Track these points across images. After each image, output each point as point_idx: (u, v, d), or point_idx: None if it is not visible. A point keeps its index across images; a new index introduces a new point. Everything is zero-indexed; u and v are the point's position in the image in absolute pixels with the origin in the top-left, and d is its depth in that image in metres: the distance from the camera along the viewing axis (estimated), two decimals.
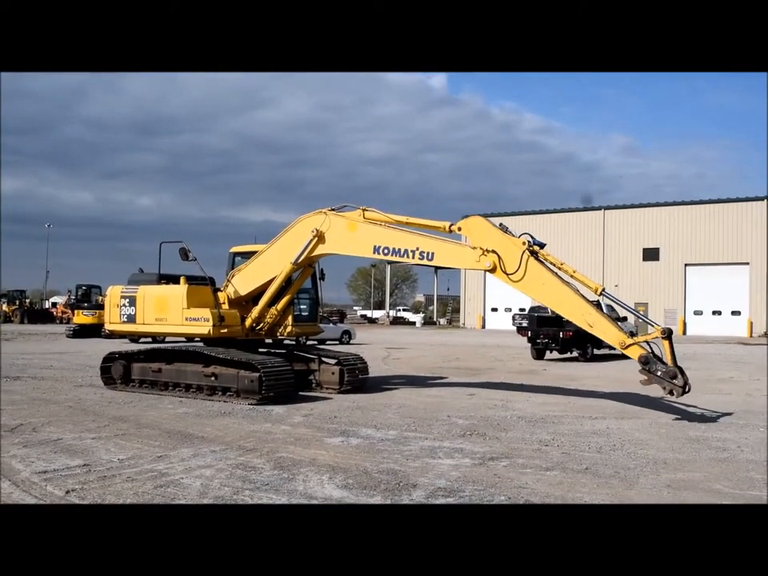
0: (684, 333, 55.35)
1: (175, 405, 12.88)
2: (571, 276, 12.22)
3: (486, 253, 12.32)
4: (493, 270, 12.32)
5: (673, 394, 11.12)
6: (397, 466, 8.14)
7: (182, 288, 14.41)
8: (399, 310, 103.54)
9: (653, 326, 11.62)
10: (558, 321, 27.33)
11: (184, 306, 14.21)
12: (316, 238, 13.86)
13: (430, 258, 12.98)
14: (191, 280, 14.73)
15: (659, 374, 11.11)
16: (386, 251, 13.34)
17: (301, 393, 14.31)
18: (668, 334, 11.19)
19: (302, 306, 15.74)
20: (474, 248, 12.52)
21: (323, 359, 15.35)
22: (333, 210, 13.98)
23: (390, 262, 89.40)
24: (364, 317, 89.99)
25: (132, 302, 14.97)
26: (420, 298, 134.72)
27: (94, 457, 8.44)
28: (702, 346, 37.68)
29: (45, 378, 17.24)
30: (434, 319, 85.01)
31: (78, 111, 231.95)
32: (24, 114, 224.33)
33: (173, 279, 15.16)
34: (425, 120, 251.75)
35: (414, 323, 78.41)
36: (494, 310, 65.89)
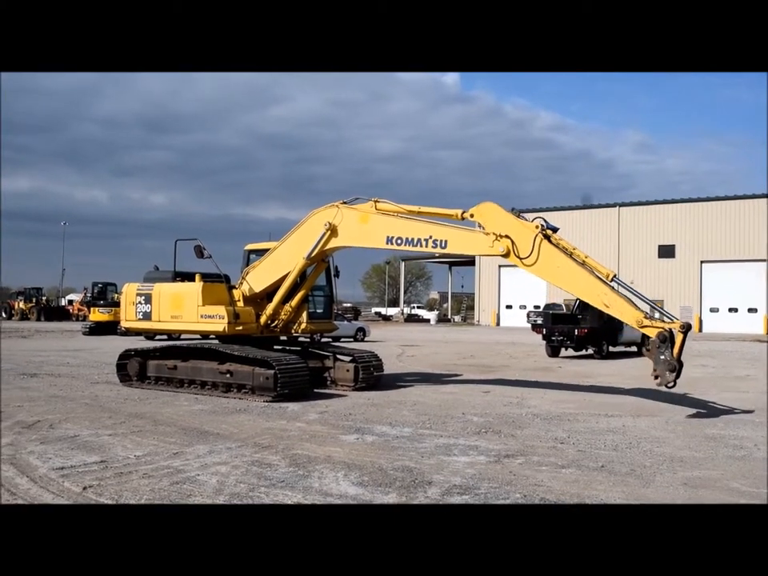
0: (700, 330, 55.02)
1: (191, 402, 12.94)
2: (583, 261, 12.21)
3: (499, 238, 12.34)
4: (507, 255, 12.33)
5: (657, 379, 11.23)
6: (412, 463, 8.14)
7: (197, 285, 14.45)
8: (413, 307, 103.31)
9: (672, 319, 11.56)
10: (572, 318, 27.29)
11: (199, 304, 14.25)
12: (329, 232, 13.89)
13: (443, 245, 12.99)
14: (206, 277, 14.78)
15: (662, 358, 11.14)
16: (398, 241, 13.34)
17: (316, 390, 14.33)
18: (686, 329, 11.16)
19: (316, 304, 15.75)
20: (488, 234, 12.54)
21: (338, 356, 15.36)
22: (345, 203, 14.04)
23: (404, 259, 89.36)
24: (378, 314, 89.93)
25: (148, 299, 15.03)
26: (434, 295, 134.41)
27: (111, 453, 8.49)
28: (718, 344, 37.46)
29: (61, 375, 17.36)
30: (449, 316, 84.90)
31: (91, 109, 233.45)
32: (37, 112, 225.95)
33: (188, 277, 15.21)
34: (437, 117, 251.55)
35: (428, 320, 78.25)
36: (509, 307, 65.74)
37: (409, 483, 7.21)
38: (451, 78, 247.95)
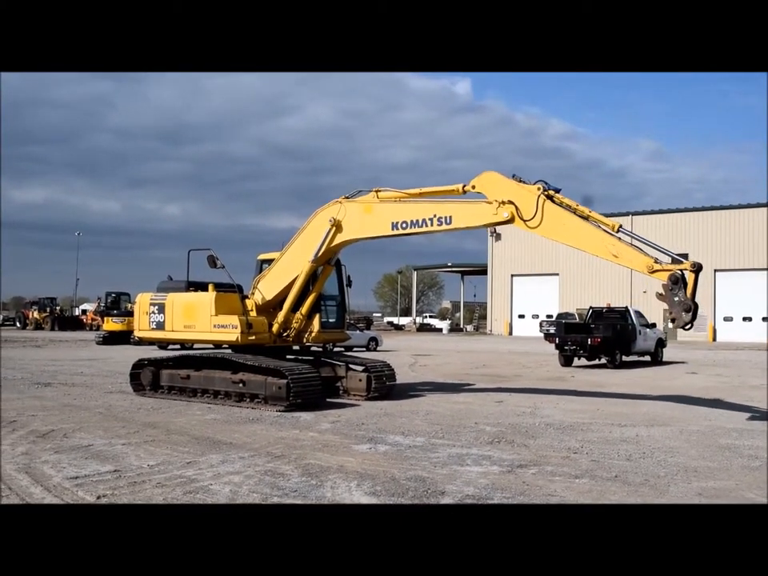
0: (714, 339, 54.74)
1: (204, 411, 12.96)
2: (587, 216, 12.15)
3: (502, 204, 12.39)
4: (511, 220, 12.38)
5: (674, 322, 11.14)
6: (425, 473, 8.13)
7: (210, 295, 14.50)
8: (426, 316, 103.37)
9: (682, 261, 11.43)
10: (585, 327, 27.20)
11: (212, 313, 14.30)
12: (334, 228, 13.96)
13: (448, 222, 13.01)
14: (219, 287, 14.82)
15: (676, 299, 11.03)
16: (404, 225, 13.37)
17: (328, 399, 14.33)
18: (697, 269, 11.09)
19: (329, 313, 15.77)
20: (490, 203, 12.58)
21: (350, 366, 15.36)
22: (347, 197, 14.12)
23: (416, 268, 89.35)
24: (390, 323, 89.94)
25: (161, 309, 15.09)
26: (446, 304, 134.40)
27: (125, 463, 8.52)
28: (732, 353, 37.26)
29: (75, 384, 17.43)
30: (461, 326, 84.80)
31: (104, 120, 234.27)
32: (51, 123, 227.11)
33: (201, 286, 15.26)
34: (449, 126, 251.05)
35: (440, 330, 78.20)
36: (521, 316, 65.61)
37: (422, 493, 7.20)
38: (463, 88, 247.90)
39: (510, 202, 12.29)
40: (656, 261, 11.31)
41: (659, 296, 11.29)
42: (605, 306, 32.29)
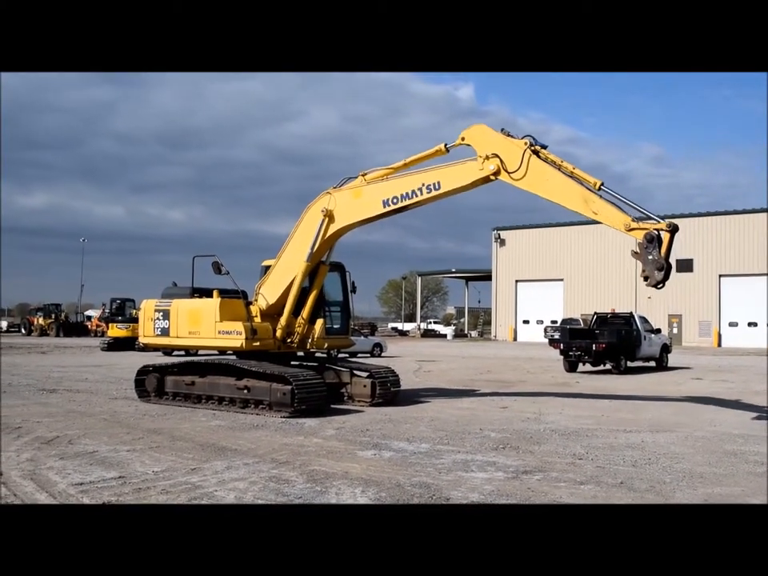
0: (719, 344, 54.59)
1: (208, 417, 12.97)
2: (571, 173, 12.29)
3: (487, 159, 12.63)
4: (497, 173, 12.60)
5: (646, 280, 11.39)
6: (429, 479, 8.12)
7: (214, 301, 14.53)
8: (430, 322, 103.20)
9: (659, 221, 11.54)
10: (590, 333, 27.15)
11: (217, 320, 14.32)
12: (326, 219, 14.10)
13: (437, 187, 13.21)
14: (224, 293, 14.84)
15: (650, 258, 11.27)
16: (394, 200, 13.57)
17: (333, 406, 14.32)
18: (672, 229, 11.32)
19: (333, 319, 15.77)
20: (476, 159, 12.81)
21: (355, 372, 15.35)
22: (335, 187, 14.31)
23: (421, 274, 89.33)
24: (395, 329, 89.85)
25: (166, 315, 15.12)
26: (451, 310, 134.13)
27: (129, 469, 8.52)
28: (736, 358, 37.15)
29: (80, 390, 17.45)
30: (465, 332, 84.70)
31: (107, 126, 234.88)
32: (54, 128, 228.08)
33: (206, 293, 15.29)
34: (453, 131, 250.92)
35: (444, 336, 78.07)
36: (526, 322, 65.49)
37: (427, 499, 7.19)
38: (466, 93, 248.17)
39: (495, 155, 12.53)
40: (634, 220, 11.53)
41: (634, 254, 11.58)
42: (609, 311, 32.25)
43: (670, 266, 11.27)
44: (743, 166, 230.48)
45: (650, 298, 53.30)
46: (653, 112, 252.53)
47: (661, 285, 11.38)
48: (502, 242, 66.60)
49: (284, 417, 12.83)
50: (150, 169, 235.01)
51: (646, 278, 11.39)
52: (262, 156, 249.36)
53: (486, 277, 71.76)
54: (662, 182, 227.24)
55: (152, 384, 15.24)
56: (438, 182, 13.17)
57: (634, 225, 11.43)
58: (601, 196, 11.90)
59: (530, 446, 10.34)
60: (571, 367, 26.51)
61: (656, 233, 11.27)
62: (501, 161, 12.49)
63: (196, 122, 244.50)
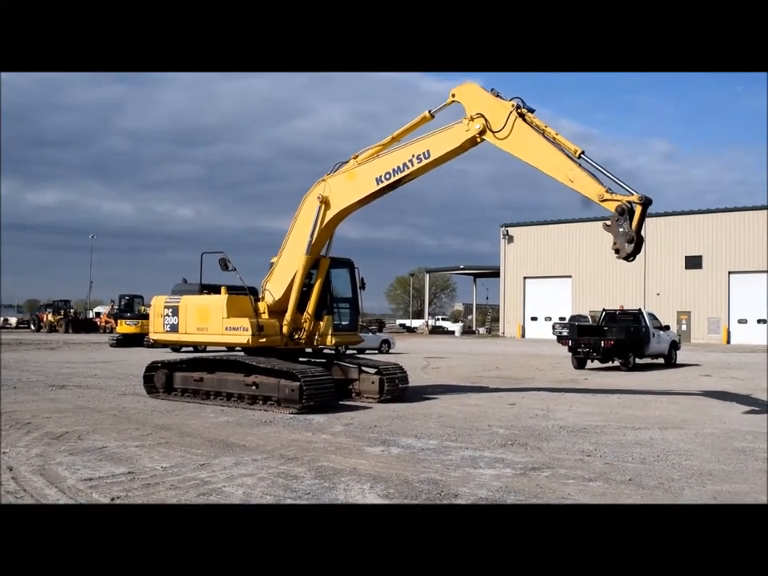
0: (728, 341, 54.43)
1: (217, 413, 12.99)
2: (554, 138, 12.37)
3: (472, 119, 12.84)
4: (483, 132, 12.78)
5: (617, 253, 11.44)
6: (438, 475, 8.12)
7: (222, 298, 14.56)
8: (438, 319, 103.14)
9: (632, 193, 11.55)
10: (599, 330, 27.10)
11: (224, 316, 14.35)
12: (323, 205, 14.24)
13: (427, 156, 13.39)
14: (232, 290, 14.87)
15: (621, 230, 11.32)
16: (387, 176, 13.75)
17: (341, 402, 14.34)
18: (645, 202, 11.35)
19: (341, 316, 15.77)
20: (461, 122, 13.02)
21: (363, 368, 15.37)
22: (329, 174, 14.48)
23: (429, 271, 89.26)
24: (403, 326, 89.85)
25: (175, 311, 15.15)
26: (459, 306, 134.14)
27: (138, 464, 8.55)
28: (745, 355, 37.03)
29: (89, 386, 17.51)
30: (473, 328, 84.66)
31: (117, 123, 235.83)
32: (65, 126, 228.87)
33: (214, 289, 15.32)
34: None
35: (452, 332, 78.04)
36: (534, 319, 65.44)
37: (435, 496, 7.19)
38: None
39: (480, 115, 12.72)
40: (608, 190, 11.56)
41: (605, 227, 11.65)
42: (618, 308, 32.16)
43: (641, 239, 11.30)
44: (753, 163, 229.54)
45: (658, 294, 53.19)
46: (662, 109, 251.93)
47: (631, 258, 11.41)
48: (510, 239, 66.53)
49: (292, 413, 12.84)
50: (159, 166, 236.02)
51: (617, 251, 11.43)
52: (271, 153, 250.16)
53: (494, 273, 71.73)
54: (672, 179, 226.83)
55: (161, 380, 15.28)
56: (428, 151, 13.33)
57: (607, 196, 11.49)
58: (580, 165, 11.94)
59: (538, 443, 10.32)
60: (579, 364, 26.47)
61: (628, 205, 11.31)
62: (486, 120, 12.67)
63: (205, 120, 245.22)
